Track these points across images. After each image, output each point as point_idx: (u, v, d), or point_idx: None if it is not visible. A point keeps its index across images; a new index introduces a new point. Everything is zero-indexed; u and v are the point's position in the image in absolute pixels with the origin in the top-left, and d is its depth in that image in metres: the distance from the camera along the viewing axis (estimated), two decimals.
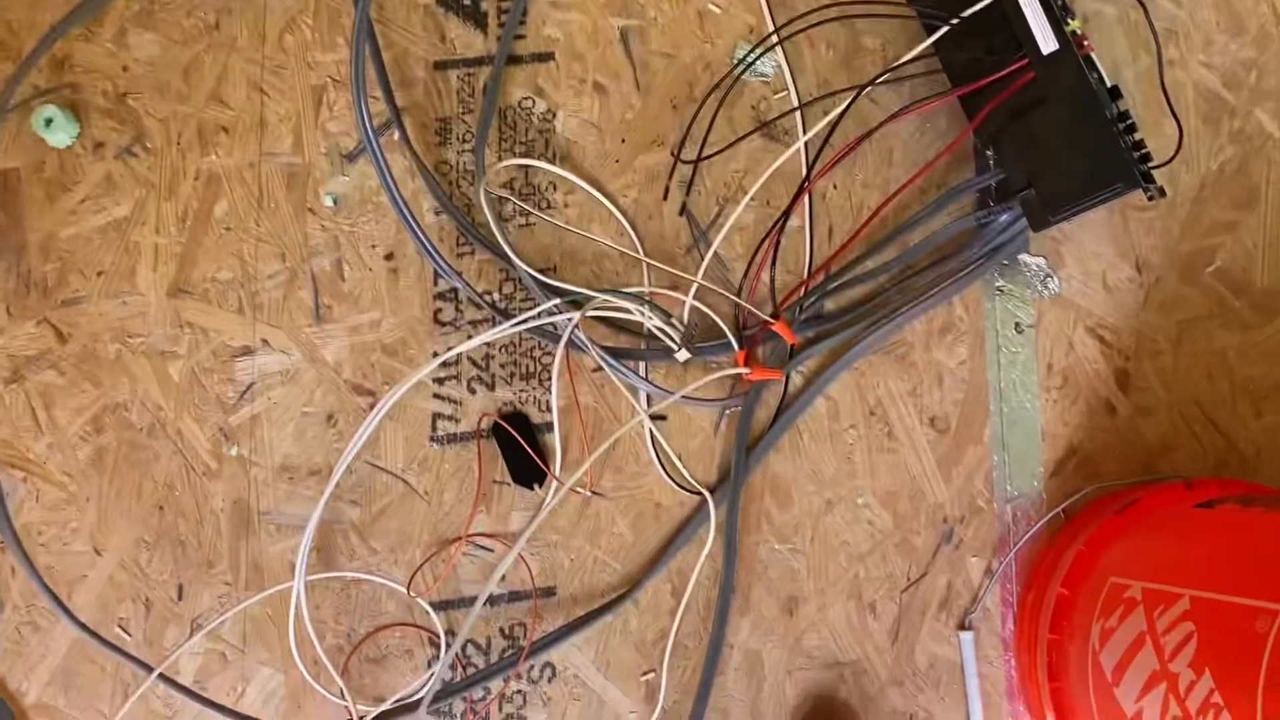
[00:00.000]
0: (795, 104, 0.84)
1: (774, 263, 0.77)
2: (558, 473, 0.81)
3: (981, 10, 0.73)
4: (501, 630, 0.81)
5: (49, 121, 0.82)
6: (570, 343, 0.79)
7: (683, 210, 0.84)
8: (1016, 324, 0.83)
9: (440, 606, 0.80)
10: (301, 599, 0.77)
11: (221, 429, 0.82)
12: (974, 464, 0.82)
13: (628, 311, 0.79)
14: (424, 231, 0.80)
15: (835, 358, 0.82)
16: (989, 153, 0.81)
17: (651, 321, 0.79)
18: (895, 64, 0.79)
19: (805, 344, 0.82)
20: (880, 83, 0.81)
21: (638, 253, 0.83)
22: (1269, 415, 0.81)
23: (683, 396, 0.78)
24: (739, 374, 0.78)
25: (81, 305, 0.82)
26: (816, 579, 0.81)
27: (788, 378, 0.82)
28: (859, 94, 0.76)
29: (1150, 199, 0.72)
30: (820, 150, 0.81)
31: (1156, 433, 0.82)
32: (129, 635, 0.80)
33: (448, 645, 0.79)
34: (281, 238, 0.83)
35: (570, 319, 0.77)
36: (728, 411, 0.82)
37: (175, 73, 0.84)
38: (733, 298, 0.81)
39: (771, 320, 0.76)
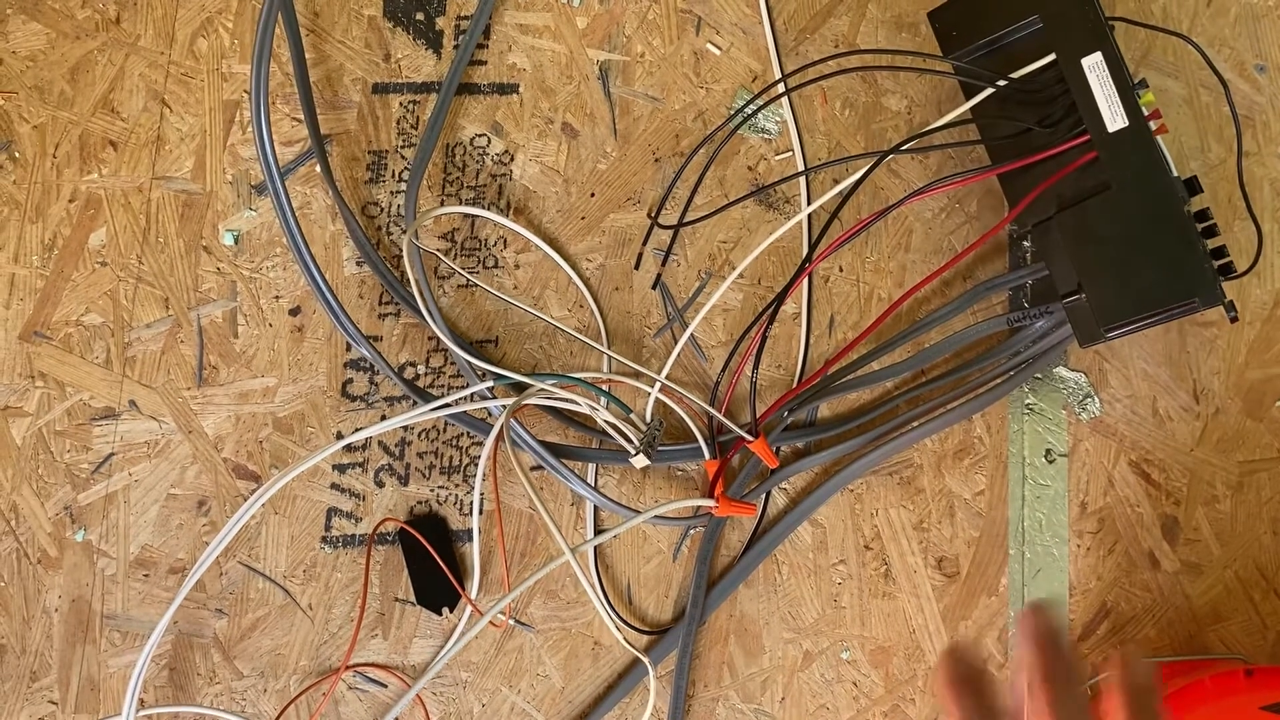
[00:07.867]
0: (801, 168, 0.70)
1: (756, 364, 0.62)
2: (474, 595, 0.65)
3: (1036, 72, 0.60)
4: None
5: None
6: (505, 436, 0.65)
7: (656, 283, 0.70)
8: (1048, 451, 0.68)
9: None
10: None
11: (68, 507, 0.66)
12: (986, 619, 0.67)
13: (574, 402, 0.64)
14: (328, 285, 0.65)
15: (827, 475, 0.67)
16: (1026, 244, 0.67)
17: (604, 417, 0.64)
18: (925, 129, 0.65)
19: (792, 456, 0.68)
20: (905, 150, 0.67)
21: (599, 330, 0.68)
22: None
23: (636, 514, 0.64)
24: (704, 506, 0.62)
25: None
26: None
27: (767, 496, 0.67)
28: (879, 162, 0.62)
29: (1233, 320, 0.58)
30: (827, 225, 0.67)
31: (1207, 597, 0.67)
32: None
33: None
34: (167, 279, 0.69)
35: (504, 406, 0.62)
36: (691, 532, 0.67)
37: (60, 71, 0.70)
38: (703, 404, 0.67)
39: (750, 438, 0.61)
